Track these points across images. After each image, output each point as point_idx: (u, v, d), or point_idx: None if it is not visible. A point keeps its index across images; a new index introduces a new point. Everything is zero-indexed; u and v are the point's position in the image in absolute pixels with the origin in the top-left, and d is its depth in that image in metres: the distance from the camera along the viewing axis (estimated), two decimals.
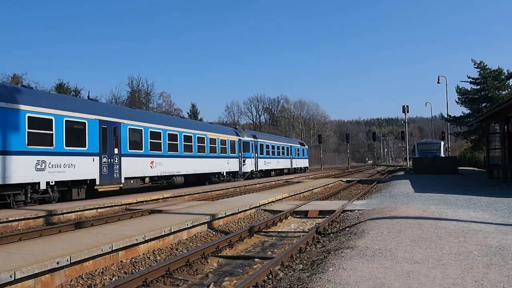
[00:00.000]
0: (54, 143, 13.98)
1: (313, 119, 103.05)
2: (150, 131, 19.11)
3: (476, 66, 43.96)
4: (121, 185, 17.11)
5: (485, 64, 43.37)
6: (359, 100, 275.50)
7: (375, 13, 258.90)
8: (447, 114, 45.55)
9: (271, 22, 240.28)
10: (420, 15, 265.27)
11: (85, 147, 15.30)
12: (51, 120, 13.96)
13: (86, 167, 15.27)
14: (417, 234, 7.27)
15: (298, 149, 46.03)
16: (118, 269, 6.55)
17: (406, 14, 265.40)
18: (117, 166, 16.87)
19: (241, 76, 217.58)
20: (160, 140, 19.93)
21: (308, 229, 9.98)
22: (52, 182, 13.85)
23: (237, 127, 36.77)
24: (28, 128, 12.98)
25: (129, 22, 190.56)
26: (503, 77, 41.88)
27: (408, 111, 44.49)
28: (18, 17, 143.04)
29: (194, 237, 9.02)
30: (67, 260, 5.79)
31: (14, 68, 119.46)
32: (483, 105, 43.12)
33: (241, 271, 6.58)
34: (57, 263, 5.63)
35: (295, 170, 44.09)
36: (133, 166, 17.87)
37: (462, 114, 45.92)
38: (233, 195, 18.74)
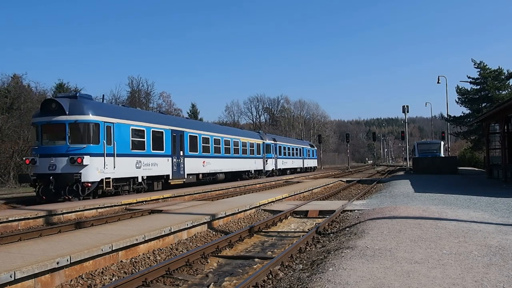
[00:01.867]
0: (145, 148, 18.31)
1: (313, 119, 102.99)
2: (202, 137, 23.72)
3: (476, 66, 43.96)
4: (185, 180, 21.35)
5: (485, 64, 43.37)
6: (359, 100, 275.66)
7: (375, 13, 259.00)
8: (447, 114, 45.55)
9: (271, 22, 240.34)
10: (420, 15, 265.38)
11: (163, 150, 19.59)
12: (144, 130, 18.33)
13: (163, 166, 19.59)
14: (417, 234, 7.27)
15: (308, 150, 50.79)
16: (118, 269, 6.55)
17: (406, 14, 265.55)
18: (182, 165, 21.23)
19: (241, 76, 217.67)
20: (209, 144, 24.49)
21: (308, 229, 9.98)
22: (144, 177, 18.17)
23: (259, 131, 40.88)
24: (131, 137, 17.40)
25: (129, 22, 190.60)
26: (503, 77, 41.85)
27: (408, 111, 44.51)
28: (18, 17, 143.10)
29: (194, 237, 9.02)
30: (67, 260, 5.79)
31: (14, 68, 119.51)
32: (483, 105, 43.10)
33: (241, 271, 6.58)
34: (57, 263, 5.63)
35: (306, 169, 48.79)
36: (192, 165, 22.22)
37: (462, 114, 45.91)
38: (233, 195, 18.74)
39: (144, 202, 15.50)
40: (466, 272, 4.88)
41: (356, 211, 11.29)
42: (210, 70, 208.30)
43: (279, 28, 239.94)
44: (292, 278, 5.44)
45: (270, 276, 5.75)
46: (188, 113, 73.83)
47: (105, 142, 15.79)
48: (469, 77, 45.21)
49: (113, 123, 16.33)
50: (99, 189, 15.82)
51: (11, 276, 4.98)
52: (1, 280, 4.88)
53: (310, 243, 7.97)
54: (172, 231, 8.32)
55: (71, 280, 5.83)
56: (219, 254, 7.59)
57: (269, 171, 35.35)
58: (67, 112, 15.24)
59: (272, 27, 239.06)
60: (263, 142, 34.42)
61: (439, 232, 7.39)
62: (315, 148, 55.96)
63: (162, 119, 20.70)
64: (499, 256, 5.63)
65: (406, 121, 46.10)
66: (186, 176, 21.40)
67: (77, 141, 15.25)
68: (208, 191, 19.75)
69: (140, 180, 17.86)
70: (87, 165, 14.94)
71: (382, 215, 9.75)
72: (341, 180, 28.01)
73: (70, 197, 14.92)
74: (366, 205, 12.33)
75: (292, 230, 10.29)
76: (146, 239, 7.49)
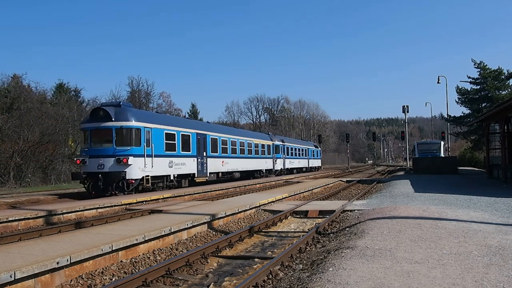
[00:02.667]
0: (176, 149, 20.54)
1: (313, 119, 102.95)
2: (221, 139, 26.09)
3: (476, 66, 43.95)
4: (207, 178, 23.81)
5: (485, 64, 43.36)
6: (359, 100, 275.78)
7: (375, 13, 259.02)
8: (447, 114, 45.54)
9: (271, 22, 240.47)
10: (420, 15, 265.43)
11: (190, 151, 21.90)
12: (174, 134, 20.57)
13: (190, 165, 21.93)
14: (417, 234, 7.27)
15: (313, 150, 53.65)
16: (118, 269, 6.55)
17: (406, 14, 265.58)
18: (205, 165, 23.59)
19: (241, 76, 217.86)
20: (227, 145, 26.84)
21: (308, 229, 9.98)
22: (175, 175, 20.45)
23: (269, 133, 43.54)
24: (165, 140, 19.60)
25: (129, 22, 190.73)
26: (503, 77, 41.84)
27: (408, 111, 44.50)
28: (18, 17, 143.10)
29: (194, 237, 9.02)
30: (67, 260, 5.79)
31: (14, 68, 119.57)
32: (483, 105, 43.09)
33: (241, 271, 6.57)
34: (57, 263, 5.63)
35: (311, 169, 51.14)
36: (213, 165, 24.61)
37: (462, 114, 45.91)
38: (233, 195, 18.74)
39: (144, 202, 15.50)
40: (466, 272, 4.88)
41: (356, 211, 11.29)
42: (210, 70, 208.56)
43: (279, 28, 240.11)
44: (292, 278, 5.44)
45: (270, 276, 5.75)
46: (188, 113, 73.83)
47: (145, 144, 18.04)
48: (469, 77, 45.25)
49: (151, 128, 18.64)
50: (140, 185, 17.92)
51: (11, 276, 4.98)
52: (1, 280, 4.88)
53: (310, 243, 7.97)
54: (172, 231, 8.32)
55: (71, 280, 5.82)
56: (219, 254, 7.59)
57: (278, 170, 37.61)
58: (113, 119, 17.45)
59: (272, 27, 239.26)
60: (273, 144, 36.88)
61: (439, 232, 7.39)
62: (319, 148, 58.34)
63: (189, 123, 23.42)
64: (499, 256, 5.63)
65: (406, 121, 46.10)
66: (208, 175, 24.00)
67: (122, 144, 17.45)
68: (208, 191, 19.74)
69: (172, 178, 20.25)
70: (131, 164, 17.11)
71: (382, 215, 9.75)
72: (341, 180, 28.01)
73: (116, 192, 17.10)
74: (366, 205, 12.33)
75: (292, 230, 10.29)
76: (146, 239, 7.49)
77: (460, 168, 37.95)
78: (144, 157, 17.81)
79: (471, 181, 22.40)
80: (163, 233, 8.04)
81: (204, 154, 23.45)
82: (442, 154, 42.92)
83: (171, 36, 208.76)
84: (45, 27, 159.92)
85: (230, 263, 7.06)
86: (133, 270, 6.59)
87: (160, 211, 12.07)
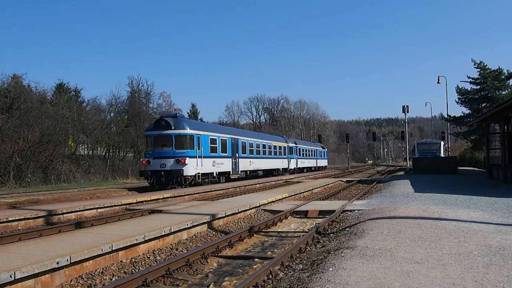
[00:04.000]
0: (217, 151, 24.72)
1: (313, 119, 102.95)
2: (249, 142, 30.42)
3: (476, 66, 43.97)
4: (239, 175, 28.40)
5: (485, 64, 43.38)
6: (359, 100, 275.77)
7: (375, 13, 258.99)
8: (447, 114, 45.54)
9: (271, 22, 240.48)
10: (420, 15, 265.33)
11: (227, 153, 26.13)
12: (216, 139, 24.70)
13: (227, 164, 26.10)
14: (417, 234, 7.27)
15: (321, 151, 58.09)
16: (118, 269, 6.55)
17: (406, 14, 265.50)
18: (238, 164, 27.81)
19: (241, 76, 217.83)
20: (253, 148, 31.27)
21: (308, 229, 9.97)
22: (216, 173, 24.64)
23: (284, 136, 47.15)
24: (210, 144, 23.73)
25: (129, 22, 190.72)
26: (503, 77, 41.83)
27: (408, 111, 44.39)
28: (18, 17, 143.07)
29: (194, 237, 9.01)
30: (67, 260, 5.79)
31: (14, 68, 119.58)
32: (483, 105, 43.10)
33: (241, 271, 6.57)
34: (57, 263, 5.63)
35: (319, 168, 55.42)
36: (243, 164, 28.90)
37: (462, 114, 45.93)
38: (233, 195, 18.73)
39: (144, 202, 15.50)
40: (466, 272, 4.88)
41: (356, 211, 11.28)
42: (210, 70, 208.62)
43: (279, 28, 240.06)
44: (292, 278, 5.44)
45: (270, 276, 5.75)
46: (188, 113, 73.89)
47: (197, 148, 22.13)
48: (469, 77, 45.28)
49: (200, 134, 22.74)
50: (192, 181, 21.83)
51: (11, 276, 4.98)
52: (1, 280, 4.88)
53: (310, 243, 7.96)
54: (172, 231, 8.32)
55: (71, 280, 5.82)
56: (219, 254, 7.59)
57: (292, 169, 41.57)
58: (173, 128, 21.62)
59: (272, 27, 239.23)
60: (287, 145, 40.70)
61: (439, 232, 7.39)
62: (326, 149, 62.64)
63: (225, 130, 28.20)
64: (499, 256, 5.63)
65: (406, 121, 46.03)
66: (240, 172, 28.24)
67: (180, 147, 21.56)
68: (208, 191, 19.74)
69: (214, 175, 24.38)
70: (187, 164, 21.21)
71: (382, 215, 9.75)
72: (341, 180, 28.00)
73: (176, 186, 21.15)
74: (366, 205, 12.33)
75: (292, 230, 10.29)
76: (146, 239, 7.49)
77: (460, 168, 37.95)
78: (196, 158, 22.01)
79: (471, 181, 22.40)
80: (163, 233, 8.04)
81: (237, 155, 27.73)
82: (442, 154, 42.89)
83: (171, 36, 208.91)
84: (46, 27, 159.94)
85: (230, 263, 7.06)
86: (133, 270, 6.59)
87: (160, 211, 12.06)
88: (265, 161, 34.02)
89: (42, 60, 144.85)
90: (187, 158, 21.22)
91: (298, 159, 44.19)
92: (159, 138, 21.97)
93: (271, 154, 35.66)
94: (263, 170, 33.73)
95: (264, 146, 33.92)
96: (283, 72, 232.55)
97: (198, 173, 21.99)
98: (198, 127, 23.26)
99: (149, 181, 21.67)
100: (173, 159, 21.18)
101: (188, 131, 21.89)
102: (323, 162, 59.05)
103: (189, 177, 21.26)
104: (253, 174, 31.85)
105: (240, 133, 30.62)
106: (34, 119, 30.11)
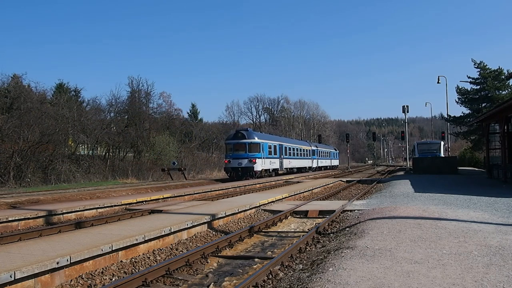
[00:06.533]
0: (272, 154, 34.39)
1: (313, 119, 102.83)
2: (288, 147, 40.20)
3: (476, 66, 43.94)
4: (284, 171, 38.64)
5: (485, 64, 43.35)
6: (359, 100, 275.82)
7: (375, 12, 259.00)
8: (447, 114, 45.52)
9: (271, 22, 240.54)
10: (420, 15, 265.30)
11: (277, 155, 36.00)
12: (271, 145, 34.52)
13: (277, 163, 35.93)
14: (417, 234, 7.27)
15: (334, 153, 68.07)
16: (118, 269, 6.55)
17: (406, 14, 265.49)
18: (283, 163, 37.66)
19: (241, 76, 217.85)
20: (291, 151, 41.08)
21: (308, 229, 9.97)
22: (272, 169, 34.33)
23: (307, 140, 58.53)
24: (268, 149, 33.28)
25: (129, 22, 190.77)
26: (503, 77, 41.80)
27: (408, 111, 44.36)
28: (18, 17, 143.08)
29: (194, 237, 9.01)
30: (67, 260, 5.79)
31: (14, 68, 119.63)
32: (483, 105, 43.08)
33: (241, 271, 6.57)
34: (57, 263, 5.63)
35: (332, 167, 64.28)
36: (285, 163, 38.59)
37: (462, 114, 45.88)
38: (233, 195, 18.73)
39: (144, 202, 15.50)
40: (466, 272, 4.88)
41: (356, 211, 11.28)
42: (211, 70, 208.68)
43: (279, 28, 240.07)
44: (292, 278, 5.44)
45: (270, 276, 5.75)
46: (188, 113, 73.88)
47: (262, 151, 31.83)
48: (469, 77, 45.24)
49: (263, 142, 32.67)
50: (258, 174, 31.06)
51: (11, 276, 4.98)
52: (1, 280, 4.88)
53: (310, 243, 7.96)
54: (172, 231, 8.32)
55: (71, 280, 5.82)
56: (219, 254, 7.59)
57: (314, 167, 51.05)
58: (247, 138, 31.55)
59: (272, 27, 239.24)
60: (311, 148, 50.26)
61: (439, 232, 7.39)
62: (337, 151, 72.75)
63: (275, 138, 38.89)
64: (499, 256, 5.63)
65: (406, 121, 46.00)
66: (284, 169, 38.34)
67: (251, 151, 31.24)
68: (208, 191, 19.75)
69: (270, 170, 34.28)
70: (256, 163, 30.77)
71: (382, 215, 9.75)
72: (341, 180, 27.99)
73: (248, 178, 30.09)
74: (366, 205, 12.33)
75: (292, 230, 10.29)
76: (146, 239, 7.49)
77: (460, 168, 37.92)
78: (261, 158, 31.73)
79: (471, 181, 22.39)
80: (163, 233, 8.04)
81: (282, 157, 37.38)
82: (442, 154, 42.87)
83: (171, 36, 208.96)
84: (46, 27, 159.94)
85: (230, 263, 7.06)
86: (133, 270, 6.59)
87: (160, 211, 12.06)
88: (298, 161, 44.15)
89: (42, 60, 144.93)
90: (257, 159, 30.87)
91: (318, 159, 54.11)
92: (237, 145, 31.67)
93: (301, 156, 45.34)
94: (297, 168, 43.54)
95: (297, 149, 43.76)
96: (283, 72, 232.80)
97: (262, 169, 31.70)
98: (261, 137, 33.71)
99: (228, 174, 31.68)
100: (247, 159, 30.69)
101: (256, 140, 31.80)
102: (335, 162, 69.26)
103: (257, 172, 30.72)
104: (290, 171, 41.72)
105: (283, 140, 40.92)
106: (34, 119, 30.09)
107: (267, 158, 32.81)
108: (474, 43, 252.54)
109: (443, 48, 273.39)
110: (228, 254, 7.68)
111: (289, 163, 39.66)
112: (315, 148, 52.40)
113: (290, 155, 40.28)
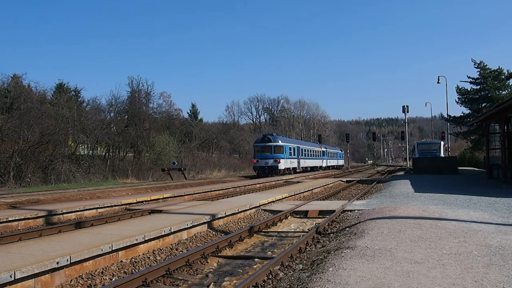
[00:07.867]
0: (291, 155, 40.42)
1: (313, 119, 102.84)
2: (304, 148, 46.23)
3: (476, 66, 43.93)
4: (301, 170, 44.15)
5: (485, 64, 43.34)
6: (359, 100, 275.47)
7: (375, 12, 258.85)
8: (447, 114, 45.51)
9: (271, 22, 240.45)
10: (420, 15, 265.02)
11: (295, 156, 41.80)
12: (291, 147, 40.81)
13: (295, 163, 41.82)
14: (417, 234, 7.27)
15: (340, 154, 73.78)
16: (118, 269, 6.55)
17: (406, 14, 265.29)
18: (299, 163, 43.46)
19: (241, 76, 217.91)
20: (306, 152, 46.97)
21: (308, 229, 9.98)
22: (291, 167, 40.55)
23: (317, 142, 61.80)
24: (289, 150, 39.67)
25: (129, 22, 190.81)
26: (503, 77, 41.79)
27: (408, 111, 44.36)
28: (18, 17, 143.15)
29: (194, 237, 9.02)
30: (67, 260, 5.79)
31: (14, 68, 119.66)
32: (483, 105, 43.07)
33: (241, 271, 6.57)
34: (57, 263, 5.63)
35: (339, 166, 69.51)
36: (302, 163, 44.41)
37: (462, 114, 45.87)
38: (233, 195, 18.73)
39: (144, 202, 15.50)
40: (466, 272, 4.88)
41: (356, 211, 11.29)
42: (210, 70, 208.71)
43: (279, 28, 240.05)
44: (292, 278, 5.44)
45: (270, 276, 5.75)
46: (188, 113, 73.83)
47: (284, 153, 37.63)
48: (469, 77, 45.21)
49: (285, 145, 38.83)
50: (282, 173, 36.70)
51: (11, 276, 4.98)
52: (1, 280, 4.88)
53: (310, 243, 7.97)
54: (172, 231, 8.32)
55: (71, 280, 5.82)
56: (219, 254, 7.59)
57: (323, 166, 56.28)
58: (272, 141, 37.51)
59: (272, 27, 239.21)
60: (321, 150, 55.65)
61: (439, 232, 7.39)
62: (343, 151, 77.09)
63: (294, 141, 45.44)
64: (499, 256, 5.63)
65: (406, 121, 46.00)
66: (300, 168, 43.87)
67: (276, 153, 37.15)
68: (208, 191, 19.75)
69: (291, 169, 40.05)
70: (280, 162, 36.61)
71: (382, 215, 9.75)
72: (341, 180, 28.00)
73: (274, 175, 35.46)
74: (366, 205, 12.33)
75: (292, 230, 10.29)
76: (146, 239, 7.49)
77: (460, 168, 37.93)
78: (284, 159, 37.56)
79: (471, 181, 22.40)
80: (163, 233, 8.04)
81: (299, 157, 43.12)
82: (442, 154, 42.87)
83: (171, 35, 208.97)
84: (45, 27, 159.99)
85: (230, 263, 7.06)
86: (133, 270, 6.59)
87: (160, 211, 12.07)
88: (312, 161, 50.04)
89: (42, 60, 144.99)
90: (281, 159, 36.74)
91: (328, 160, 59.81)
92: (264, 147, 37.67)
93: (314, 156, 51.12)
94: (311, 167, 49.65)
95: (310, 150, 49.66)
96: (283, 72, 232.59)
97: (285, 167, 37.72)
98: (284, 141, 39.84)
99: (256, 172, 37.58)
100: (273, 159, 36.60)
101: (280, 143, 37.89)
102: (341, 162, 74.83)
103: (281, 170, 36.70)
104: (305, 170, 46.94)
105: (300, 143, 47.67)
106: (34, 119, 30.06)
107: (288, 158, 38.78)
108: (474, 43, 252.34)
109: (443, 48, 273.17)
110: (228, 254, 7.68)
111: (304, 162, 45.63)
112: (325, 149, 58.36)
113: (305, 156, 46.21)
